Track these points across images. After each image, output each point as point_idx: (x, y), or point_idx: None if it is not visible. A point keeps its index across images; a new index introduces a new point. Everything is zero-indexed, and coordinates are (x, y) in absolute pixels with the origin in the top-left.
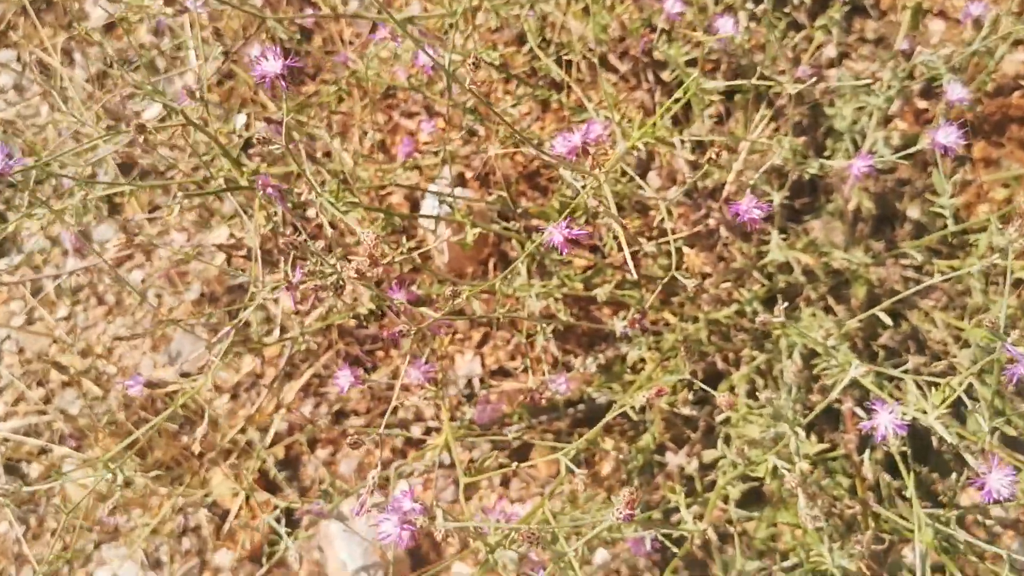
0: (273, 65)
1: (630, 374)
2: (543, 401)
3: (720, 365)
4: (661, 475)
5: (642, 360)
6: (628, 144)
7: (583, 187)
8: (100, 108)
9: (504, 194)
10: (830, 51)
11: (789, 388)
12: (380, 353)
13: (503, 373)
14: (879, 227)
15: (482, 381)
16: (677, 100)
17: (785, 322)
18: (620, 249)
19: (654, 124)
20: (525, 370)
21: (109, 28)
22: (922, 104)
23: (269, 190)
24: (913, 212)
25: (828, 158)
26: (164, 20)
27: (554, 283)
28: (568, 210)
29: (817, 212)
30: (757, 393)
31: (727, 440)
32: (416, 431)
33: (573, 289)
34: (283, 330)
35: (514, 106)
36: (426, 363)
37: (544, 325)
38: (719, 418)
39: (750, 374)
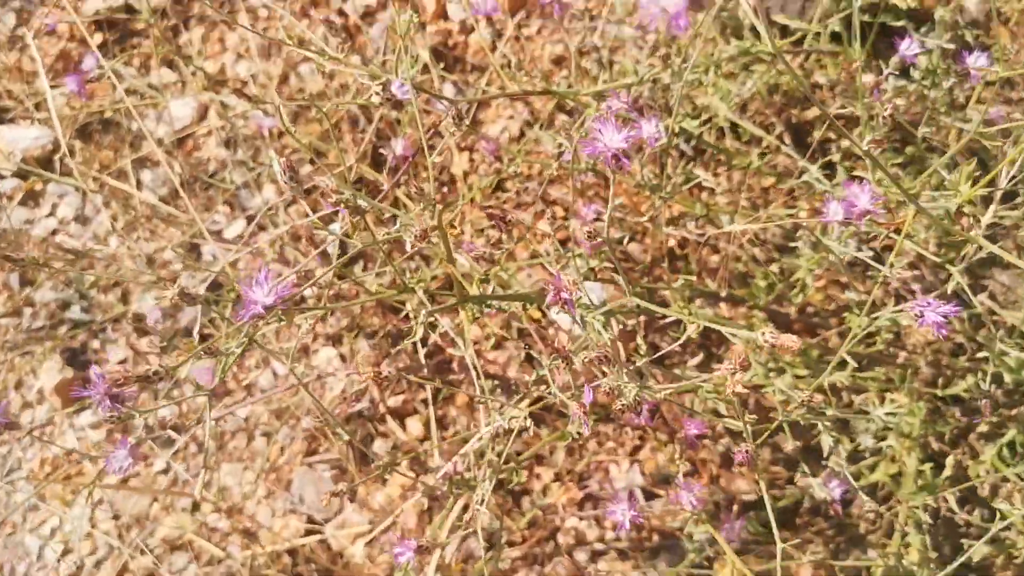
0: None
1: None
2: None
3: None
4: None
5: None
6: (960, 199)
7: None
8: (173, 229)
9: (693, 278)
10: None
11: None
12: (524, 472)
13: (665, 481)
14: None
15: (645, 491)
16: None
17: None
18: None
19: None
20: (693, 473)
21: (179, 144)
22: None
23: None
24: None
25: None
26: (266, 122)
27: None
28: (775, 291)
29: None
30: None
31: None
32: (581, 556)
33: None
34: (414, 458)
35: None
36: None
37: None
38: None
39: None
